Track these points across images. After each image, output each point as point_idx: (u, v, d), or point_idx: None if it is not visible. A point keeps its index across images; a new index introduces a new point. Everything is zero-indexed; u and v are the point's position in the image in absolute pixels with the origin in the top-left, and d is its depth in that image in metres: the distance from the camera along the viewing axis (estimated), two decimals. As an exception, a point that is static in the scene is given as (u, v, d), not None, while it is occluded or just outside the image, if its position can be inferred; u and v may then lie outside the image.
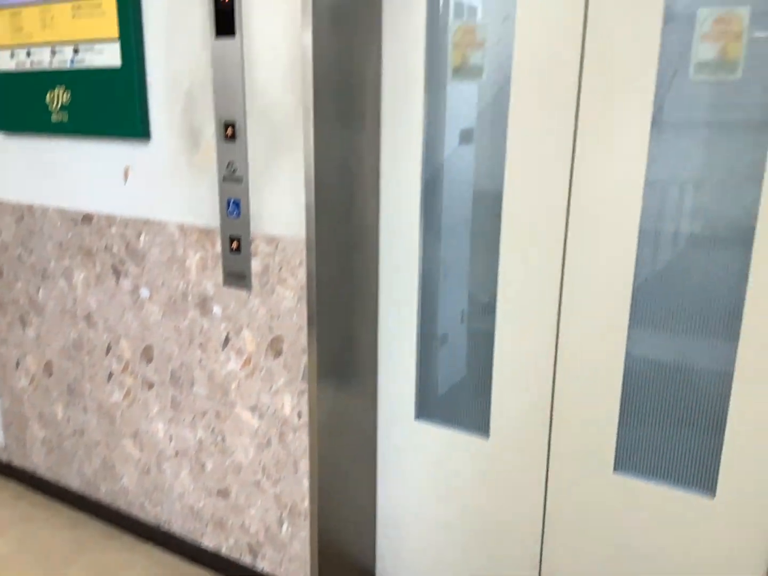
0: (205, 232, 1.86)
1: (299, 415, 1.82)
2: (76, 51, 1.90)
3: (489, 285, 1.75)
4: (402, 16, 1.66)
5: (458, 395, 1.91)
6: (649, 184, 1.48)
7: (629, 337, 1.57)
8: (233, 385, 1.93)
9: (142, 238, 1.99)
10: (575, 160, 1.53)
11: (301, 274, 1.72)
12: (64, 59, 1.93)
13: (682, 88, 1.41)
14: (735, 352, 1.47)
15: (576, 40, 1.47)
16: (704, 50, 1.37)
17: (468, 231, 1.78)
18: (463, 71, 1.65)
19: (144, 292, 2.04)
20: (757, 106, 1.37)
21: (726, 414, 1.51)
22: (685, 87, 1.41)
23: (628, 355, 1.59)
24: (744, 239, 1.43)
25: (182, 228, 1.90)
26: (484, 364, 1.81)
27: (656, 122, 1.44)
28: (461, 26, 1.62)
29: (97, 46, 1.86)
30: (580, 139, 1.51)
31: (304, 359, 1.77)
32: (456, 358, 1.91)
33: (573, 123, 1.51)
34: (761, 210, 1.38)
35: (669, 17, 1.39)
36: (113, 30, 1.80)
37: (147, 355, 2.10)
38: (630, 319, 1.56)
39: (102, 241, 2.09)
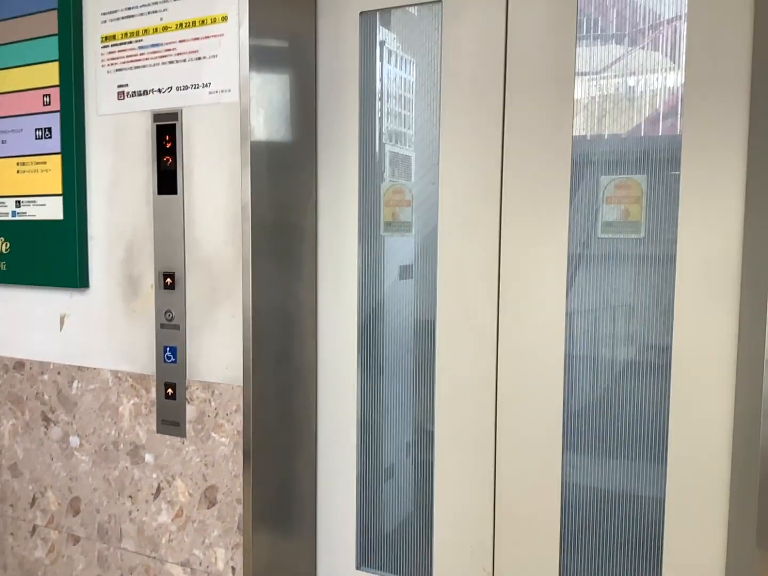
0: (140, 379, 1.85)
1: (233, 570, 1.75)
2: (18, 203, 1.95)
3: (432, 415, 1.77)
4: (336, 174, 1.78)
5: (404, 535, 1.87)
6: (570, 314, 1.58)
7: (565, 463, 1.60)
8: (164, 539, 1.85)
9: (74, 384, 1.96)
10: (500, 300, 1.62)
11: (238, 420, 1.71)
12: (5, 211, 1.97)
13: (592, 245, 1.54)
14: (665, 477, 1.51)
15: (494, 198, 1.61)
16: (608, 212, 1.51)
17: (411, 360, 1.82)
18: (394, 226, 1.76)
19: (74, 441, 1.98)
20: (660, 258, 1.50)
21: (662, 540, 1.53)
22: (595, 243, 1.54)
23: (565, 484, 1.61)
24: (663, 365, 1.51)
25: (117, 374, 1.88)
26: (428, 500, 1.79)
27: (570, 270, 1.56)
28: (391, 186, 1.75)
29: (40, 200, 1.91)
30: (504, 282, 1.61)
31: (239, 509, 1.73)
32: (402, 493, 1.89)
33: (496, 269, 1.62)
34: (675, 339, 1.47)
35: (576, 184, 1.53)
36: (57, 186, 1.87)
37: (74, 507, 2.01)
38: (564, 444, 1.60)
39: (33, 389, 2.04)
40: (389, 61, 1.77)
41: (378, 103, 1.77)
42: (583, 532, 1.62)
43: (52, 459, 2.03)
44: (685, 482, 1.49)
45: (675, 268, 1.46)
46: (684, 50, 1.43)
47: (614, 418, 1.57)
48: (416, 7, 1.70)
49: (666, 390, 1.50)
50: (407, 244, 1.78)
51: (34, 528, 2.10)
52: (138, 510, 1.89)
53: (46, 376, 2.02)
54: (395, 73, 1.77)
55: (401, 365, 1.82)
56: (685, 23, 1.42)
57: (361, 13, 1.72)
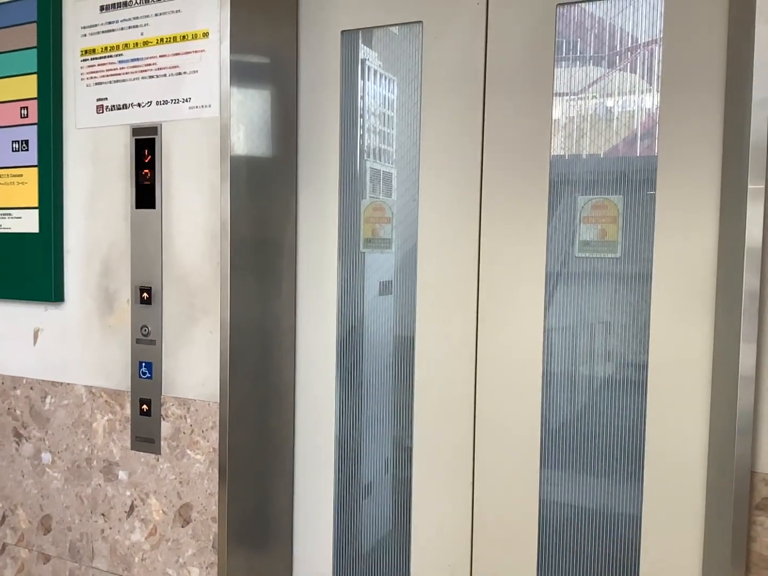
0: (115, 394, 1.82)
1: (207, 590, 1.72)
2: (-7, 216, 1.93)
3: (411, 432, 1.76)
4: (316, 190, 1.78)
5: (382, 554, 1.85)
6: (548, 332, 1.58)
7: (542, 481, 1.60)
8: (137, 558, 1.82)
9: (47, 400, 1.93)
10: (479, 317, 1.63)
11: (214, 437, 1.69)
12: (-20, 223, 1.95)
13: (569, 263, 1.56)
14: (642, 494, 1.52)
15: (473, 216, 1.62)
16: (585, 231, 1.52)
17: (390, 376, 1.82)
18: (374, 243, 1.76)
19: (45, 458, 1.94)
20: (636, 277, 1.52)
21: (639, 558, 1.53)
22: (572, 262, 1.55)
23: (543, 502, 1.61)
24: (640, 382, 1.52)
25: (91, 390, 1.86)
26: (406, 518, 1.78)
27: (548, 288, 1.57)
28: (371, 203, 1.76)
29: (16, 213, 1.89)
30: (483, 300, 1.62)
31: (215, 528, 1.70)
32: (380, 511, 1.87)
33: (475, 286, 1.62)
34: (651, 356, 1.48)
35: (554, 203, 1.55)
36: (33, 199, 1.85)
37: (45, 525, 1.97)
38: (541, 463, 1.60)
39: (5, 404, 2.00)
40: (371, 79, 1.78)
41: (359, 120, 1.78)
42: (561, 550, 1.62)
43: (23, 476, 1.99)
44: (661, 499, 1.50)
45: (651, 286, 1.48)
46: (660, 73, 1.45)
47: (591, 435, 1.58)
48: (398, 27, 1.71)
49: (642, 407, 1.52)
50: (387, 261, 1.78)
51: (4, 546, 2.05)
52: (111, 528, 1.86)
53: (18, 391, 1.98)
54: (376, 91, 1.78)
55: (380, 382, 1.82)
56: (661, 47, 1.45)
57: (342, 31, 1.73)
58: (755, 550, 1.30)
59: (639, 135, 1.53)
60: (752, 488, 1.28)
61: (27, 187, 1.86)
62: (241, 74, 1.62)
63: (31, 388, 1.96)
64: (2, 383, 2.01)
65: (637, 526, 1.54)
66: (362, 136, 1.79)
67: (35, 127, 1.84)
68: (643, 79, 1.51)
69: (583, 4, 1.52)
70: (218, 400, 1.67)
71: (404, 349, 1.76)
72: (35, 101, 1.83)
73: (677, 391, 1.47)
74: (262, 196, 1.70)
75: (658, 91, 1.46)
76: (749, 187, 1.24)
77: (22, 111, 1.86)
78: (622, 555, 1.57)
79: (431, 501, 1.72)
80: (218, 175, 1.63)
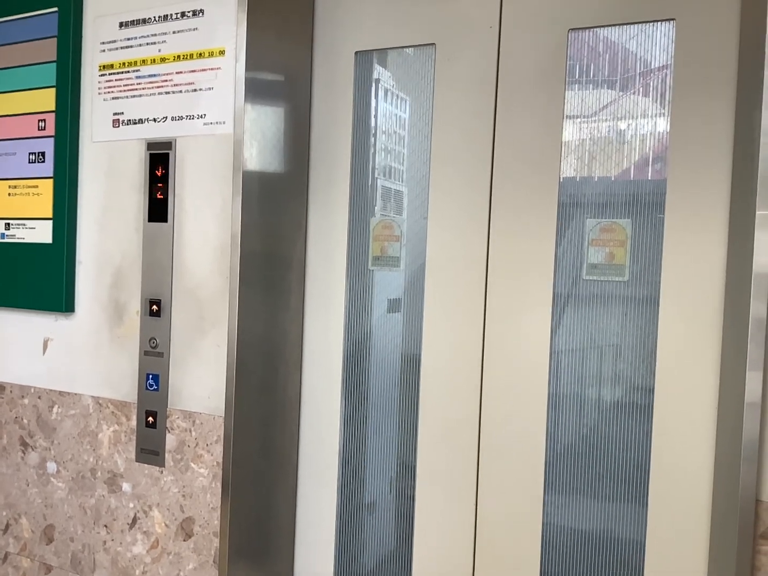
0: (121, 405, 1.83)
1: (207, 605, 1.71)
2: (7, 226, 1.95)
3: (415, 451, 1.76)
4: (327, 207, 1.80)
5: (384, 571, 1.84)
6: (555, 354, 1.58)
7: (546, 504, 1.59)
8: (138, 571, 1.81)
9: (54, 409, 1.94)
10: (486, 338, 1.63)
11: (218, 451, 1.69)
12: (-6, 233, 1.98)
13: (577, 286, 1.56)
14: (646, 519, 1.51)
15: (482, 236, 1.62)
16: (593, 254, 1.52)
17: (396, 394, 1.82)
18: (382, 260, 1.77)
19: (51, 467, 1.95)
20: (644, 300, 1.52)
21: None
22: (580, 285, 1.55)
23: (546, 524, 1.60)
24: (646, 406, 1.51)
25: (98, 401, 1.87)
26: (408, 537, 1.77)
27: (556, 310, 1.57)
28: (380, 221, 1.77)
29: (30, 223, 1.91)
30: (490, 320, 1.62)
31: (216, 543, 1.70)
32: (383, 529, 1.86)
33: (482, 307, 1.62)
34: (657, 381, 1.48)
35: (562, 225, 1.56)
36: (47, 210, 1.87)
37: (48, 535, 1.97)
38: (545, 485, 1.59)
39: (12, 412, 2.02)
40: (384, 99, 1.80)
41: (371, 139, 1.80)
42: (564, 573, 1.61)
43: (28, 485, 2.00)
44: (666, 525, 1.48)
45: (658, 310, 1.48)
46: (670, 98, 1.46)
47: (596, 458, 1.57)
48: (412, 48, 1.74)
49: (648, 431, 1.51)
50: (396, 278, 1.79)
51: (6, 555, 2.06)
52: (113, 540, 1.86)
53: (26, 400, 2.00)
54: (389, 110, 1.80)
55: (386, 399, 1.82)
56: (672, 72, 1.46)
57: (356, 52, 1.76)
58: (760, 579, 1.28)
59: (648, 159, 1.54)
60: (757, 517, 1.27)
61: (42, 198, 1.89)
62: (255, 92, 1.64)
63: (39, 398, 1.97)
64: (11, 392, 2.02)
65: (641, 551, 1.52)
66: (374, 154, 1.80)
67: (52, 139, 1.87)
68: (653, 103, 1.52)
69: (594, 30, 1.54)
70: (223, 414, 1.67)
71: (410, 367, 1.76)
72: (53, 114, 1.87)
73: (683, 416, 1.46)
74: (272, 212, 1.72)
75: (668, 116, 1.47)
76: (757, 213, 1.24)
77: (40, 123, 1.89)
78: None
79: (434, 520, 1.71)
80: (230, 190, 1.65)
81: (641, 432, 1.52)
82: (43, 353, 1.97)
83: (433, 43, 1.67)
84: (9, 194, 1.95)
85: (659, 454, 1.48)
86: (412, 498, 1.74)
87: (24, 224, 1.93)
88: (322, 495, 1.84)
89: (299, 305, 1.83)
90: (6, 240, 1.96)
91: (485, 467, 1.64)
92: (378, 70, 1.79)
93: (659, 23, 1.47)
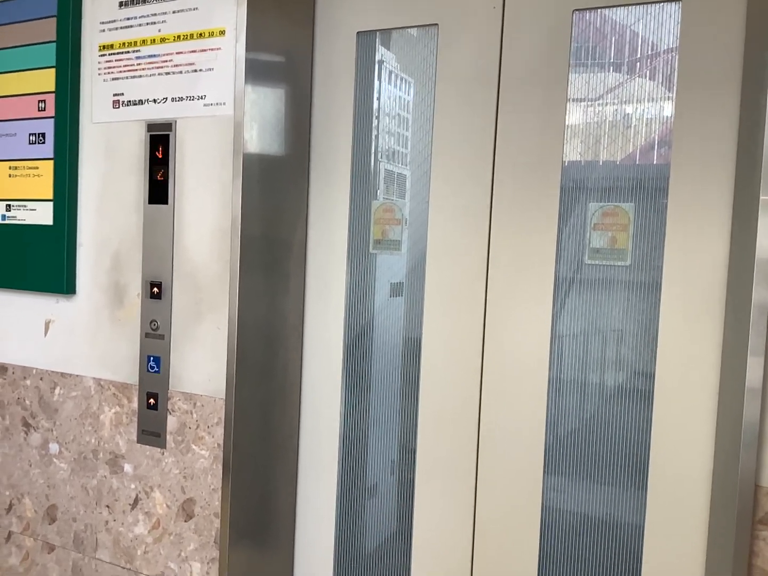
0: (123, 387, 1.84)
1: (207, 585, 1.73)
2: (8, 207, 1.95)
3: (415, 434, 1.76)
4: (328, 190, 1.79)
5: (383, 555, 1.85)
6: (556, 339, 1.58)
7: (545, 488, 1.60)
8: (140, 551, 1.83)
9: (56, 391, 1.95)
10: (486, 322, 1.62)
11: (219, 433, 1.70)
12: (-5, 214, 1.98)
13: (579, 270, 1.55)
14: (645, 503, 1.51)
15: (483, 219, 1.61)
16: (596, 239, 1.51)
17: (397, 378, 1.82)
18: (383, 244, 1.76)
19: (53, 448, 1.96)
20: (646, 285, 1.51)
21: (641, 568, 1.52)
22: (582, 269, 1.54)
23: (545, 508, 1.61)
24: (646, 391, 1.51)
25: (99, 382, 1.87)
26: (408, 521, 1.78)
27: (557, 295, 1.56)
28: (381, 205, 1.76)
29: (30, 205, 1.91)
30: (490, 305, 1.62)
31: (217, 523, 1.71)
32: (382, 513, 1.87)
33: (483, 291, 1.62)
34: (658, 366, 1.48)
35: (565, 209, 1.54)
36: (48, 191, 1.87)
37: (50, 515, 1.99)
38: (545, 470, 1.59)
39: (15, 393, 2.03)
40: (387, 80, 1.78)
41: (374, 121, 1.79)
42: (563, 557, 1.61)
43: (31, 465, 2.01)
44: (665, 510, 1.48)
45: (660, 295, 1.47)
46: (675, 81, 1.44)
47: (596, 443, 1.57)
48: (414, 29, 1.72)
49: (648, 416, 1.51)
50: (398, 262, 1.78)
51: (9, 534, 2.08)
52: (115, 520, 1.87)
53: (28, 382, 2.00)
54: (393, 92, 1.78)
55: (386, 383, 1.82)
56: (677, 55, 1.44)
57: (358, 32, 1.74)
58: (757, 564, 1.28)
59: (652, 143, 1.52)
60: (756, 502, 1.27)
61: (42, 179, 1.88)
62: (256, 73, 1.62)
63: (41, 379, 1.98)
64: (13, 373, 2.03)
65: (639, 536, 1.53)
66: (376, 136, 1.79)
67: (52, 120, 1.86)
68: (657, 87, 1.50)
69: (599, 10, 1.51)
70: (224, 397, 1.67)
71: (411, 352, 1.76)
72: (53, 95, 1.85)
73: (684, 401, 1.46)
74: (273, 194, 1.71)
75: (672, 100, 1.45)
76: (761, 198, 1.23)
77: (40, 104, 1.88)
78: (624, 564, 1.56)
79: (434, 504, 1.72)
80: (230, 172, 1.64)
81: (641, 417, 1.52)
82: (45, 335, 1.97)
83: (436, 24, 1.65)
84: (10, 176, 1.94)
85: (659, 439, 1.48)
86: (412, 482, 1.75)
87: (25, 206, 1.92)
88: (323, 478, 1.85)
89: (300, 289, 1.83)
90: (7, 221, 1.96)
91: (485, 452, 1.65)
92: (380, 51, 1.77)
93: (665, 4, 1.44)
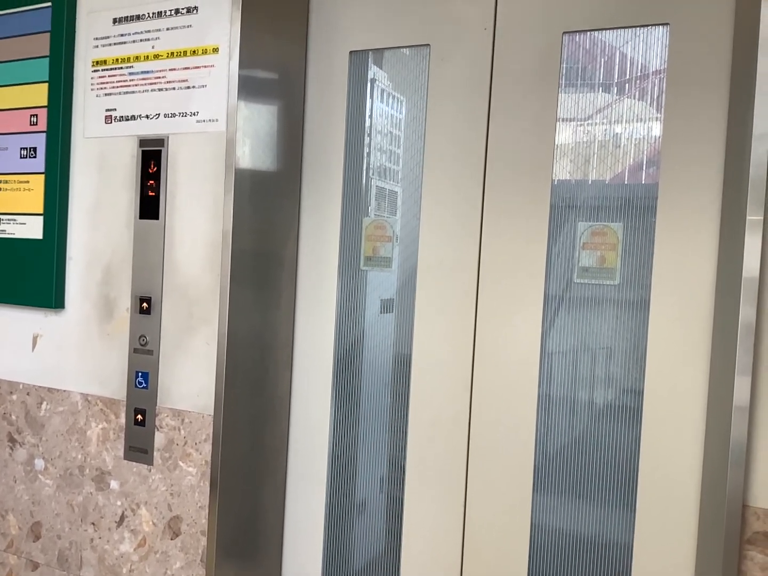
0: (110, 403, 1.82)
1: (193, 604, 1.71)
2: (-2, 221, 1.95)
3: (404, 450, 1.75)
4: (319, 206, 1.79)
5: (372, 571, 1.84)
6: (545, 356, 1.58)
7: (534, 506, 1.59)
8: (125, 569, 1.81)
9: (43, 406, 1.93)
10: (476, 340, 1.63)
11: (206, 449, 1.69)
12: (-16, 228, 1.97)
13: (568, 289, 1.56)
14: (634, 522, 1.51)
15: (474, 237, 1.62)
16: (585, 257, 1.53)
17: (387, 395, 1.81)
18: (374, 261, 1.77)
19: (39, 464, 1.94)
20: (634, 304, 1.52)
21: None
22: (571, 288, 1.55)
23: (534, 526, 1.60)
24: (635, 409, 1.52)
25: (87, 398, 1.86)
26: (397, 538, 1.77)
27: (546, 313, 1.57)
28: (372, 221, 1.76)
29: (20, 218, 1.90)
30: (480, 322, 1.62)
31: (204, 542, 1.69)
32: (371, 530, 1.86)
33: (473, 309, 1.62)
34: (647, 384, 1.48)
35: (554, 228, 1.56)
36: (38, 205, 1.86)
37: (35, 532, 1.96)
38: (534, 487, 1.59)
39: (0, 408, 2.01)
40: (379, 99, 1.80)
41: (366, 139, 1.80)
42: (551, 574, 1.61)
43: (16, 481, 1.99)
44: (654, 529, 1.48)
45: (648, 314, 1.48)
46: (663, 102, 1.46)
47: (585, 460, 1.57)
48: (407, 49, 1.73)
49: (637, 434, 1.51)
50: (389, 279, 1.79)
51: (-8, 552, 2.05)
52: (100, 538, 1.85)
53: (14, 396, 1.98)
54: (385, 110, 1.80)
55: (376, 399, 1.82)
56: (665, 77, 1.46)
57: (351, 51, 1.75)
58: (746, 584, 1.28)
59: (640, 163, 1.54)
60: (744, 522, 1.27)
61: (33, 193, 1.88)
62: (248, 90, 1.63)
63: (28, 394, 1.96)
64: (-1, 387, 2.01)
65: (628, 554, 1.53)
66: (368, 154, 1.80)
67: (44, 134, 1.86)
68: (646, 107, 1.52)
69: (589, 33, 1.54)
70: (213, 413, 1.66)
71: (401, 368, 1.75)
72: (45, 109, 1.86)
73: (672, 419, 1.46)
74: (264, 210, 1.71)
75: (661, 120, 1.47)
76: (748, 218, 1.25)
77: (32, 118, 1.88)
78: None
79: (422, 520, 1.71)
80: (222, 188, 1.64)
81: (630, 435, 1.52)
82: (33, 349, 1.95)
83: (428, 44, 1.67)
84: (0, 189, 1.94)
85: (648, 457, 1.49)
86: (401, 499, 1.74)
87: (15, 219, 1.92)
88: (311, 494, 1.84)
89: (290, 304, 1.83)
90: (-4, 235, 1.95)
91: (474, 468, 1.64)
92: (373, 70, 1.79)
93: (653, 27, 1.47)
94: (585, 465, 1.57)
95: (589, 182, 1.56)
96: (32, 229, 1.88)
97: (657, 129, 1.49)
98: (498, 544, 1.62)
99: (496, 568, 1.63)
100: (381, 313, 1.82)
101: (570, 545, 1.59)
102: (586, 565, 1.58)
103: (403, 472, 1.74)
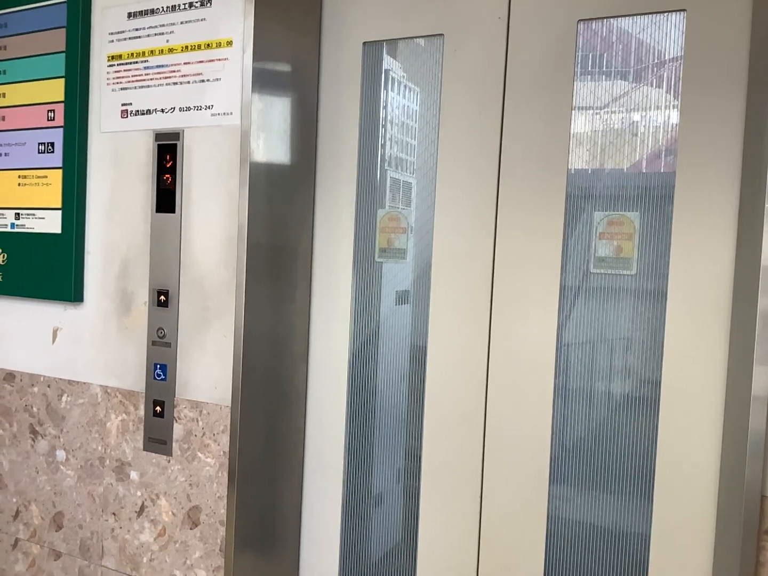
0: (129, 395, 1.84)
1: (213, 593, 1.73)
2: (17, 216, 1.97)
3: (420, 442, 1.76)
4: (334, 198, 1.80)
5: (388, 565, 1.85)
6: (561, 347, 1.58)
7: (551, 497, 1.59)
8: (145, 558, 1.83)
9: (63, 398, 1.96)
10: (492, 331, 1.62)
11: (224, 440, 1.70)
12: (4, 223, 1.99)
13: (584, 279, 1.55)
14: (651, 513, 1.50)
15: (489, 227, 1.62)
16: (601, 247, 1.52)
17: (403, 387, 1.81)
18: (389, 252, 1.77)
19: (60, 455, 1.97)
20: (652, 294, 1.51)
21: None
22: (587, 278, 1.54)
23: (551, 518, 1.60)
24: (652, 400, 1.51)
25: (106, 390, 1.88)
26: (413, 530, 1.78)
27: (562, 304, 1.56)
28: (386, 213, 1.76)
29: (39, 213, 1.93)
30: (495, 313, 1.62)
31: (222, 531, 1.71)
32: (388, 522, 1.87)
33: (489, 300, 1.62)
34: (664, 374, 1.47)
35: (570, 218, 1.55)
36: (56, 200, 1.88)
37: (57, 522, 1.99)
38: (550, 478, 1.59)
39: (22, 401, 2.04)
40: (393, 89, 1.79)
41: (381, 130, 1.79)
42: (568, 566, 1.61)
43: (38, 472, 2.02)
44: (671, 520, 1.48)
45: (666, 304, 1.47)
46: (680, 90, 1.45)
47: (602, 451, 1.57)
48: (420, 39, 1.73)
49: (654, 425, 1.50)
50: (404, 270, 1.79)
51: (16, 541, 2.08)
52: (121, 528, 1.88)
53: (35, 389, 2.01)
54: (398, 101, 1.79)
55: (392, 391, 1.82)
56: (682, 63, 1.44)
57: (364, 42, 1.75)
58: (764, 575, 1.28)
59: (657, 151, 1.52)
60: (762, 512, 1.26)
61: (51, 188, 1.90)
62: (262, 83, 1.64)
63: (48, 386, 1.99)
64: (21, 380, 2.04)
65: (646, 545, 1.52)
66: (383, 145, 1.80)
67: (61, 129, 1.88)
68: (663, 95, 1.50)
69: (604, 21, 1.52)
70: (230, 404, 1.68)
71: (417, 360, 1.76)
72: (62, 104, 1.87)
73: (690, 410, 1.45)
74: (279, 203, 1.72)
75: (678, 108, 1.45)
76: (767, 206, 1.23)
77: (49, 114, 1.90)
78: (630, 574, 1.55)
79: (439, 512, 1.72)
80: (237, 181, 1.65)
81: (647, 426, 1.52)
82: (53, 342, 1.98)
83: (442, 34, 1.66)
84: (19, 184, 1.96)
85: (665, 448, 1.48)
86: (418, 491, 1.75)
87: (34, 214, 1.94)
88: (328, 486, 1.85)
89: (305, 297, 1.84)
90: (16, 230, 1.97)
91: (490, 460, 1.64)
92: (386, 61, 1.78)
93: (670, 14, 1.45)
94: (602, 456, 1.56)
95: (606, 171, 1.55)
96: (51, 223, 1.90)
97: (674, 117, 1.47)
98: (514, 535, 1.63)
99: (513, 560, 1.63)
100: (396, 304, 1.82)
101: (586, 536, 1.59)
102: (603, 556, 1.57)
103: (420, 463, 1.74)
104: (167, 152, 1.74)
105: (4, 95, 1.99)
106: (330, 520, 1.86)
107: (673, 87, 1.48)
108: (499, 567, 1.65)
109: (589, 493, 1.59)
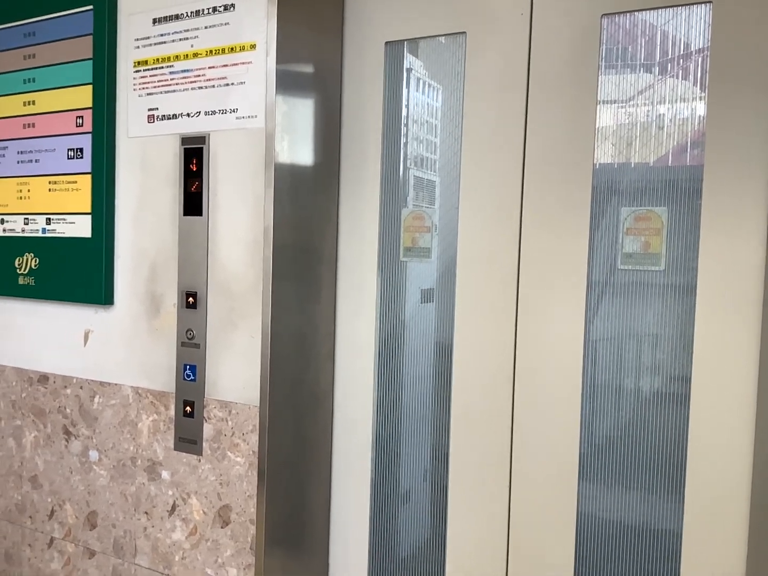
0: (160, 396, 1.87)
1: (244, 591, 1.75)
2: (48, 221, 2.01)
3: (448, 440, 1.76)
4: (358, 199, 1.80)
5: (417, 563, 1.85)
6: (589, 343, 1.56)
7: (580, 495, 1.58)
8: (177, 557, 1.86)
9: (96, 399, 1.99)
10: (518, 329, 1.62)
11: (253, 440, 1.72)
12: (36, 228, 2.03)
13: (611, 275, 1.54)
14: (682, 510, 1.49)
15: (514, 225, 1.61)
16: (628, 243, 1.50)
17: (429, 386, 1.82)
18: (413, 251, 1.77)
19: (93, 455, 2.01)
20: (681, 289, 1.49)
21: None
22: (614, 274, 1.53)
23: (580, 515, 1.59)
24: (682, 396, 1.49)
25: (137, 391, 1.91)
26: (442, 528, 1.78)
27: (589, 300, 1.55)
28: (411, 212, 1.77)
29: (69, 218, 1.96)
30: (522, 311, 1.61)
31: (252, 530, 1.73)
32: (419, 518, 1.87)
33: (515, 298, 1.62)
34: (695, 371, 1.46)
35: (597, 214, 1.53)
36: (86, 205, 1.92)
37: (91, 521, 2.03)
38: (579, 476, 1.58)
39: (56, 402, 2.08)
40: (416, 88, 1.79)
41: (403, 129, 1.80)
42: (599, 565, 1.60)
43: (72, 472, 2.06)
44: (703, 516, 1.46)
45: (695, 299, 1.45)
46: (706, 82, 1.43)
47: (631, 448, 1.55)
48: (443, 37, 1.72)
49: (685, 421, 1.49)
50: (428, 269, 1.79)
51: (52, 540, 2.12)
52: (153, 526, 1.91)
53: (68, 390, 2.05)
54: (421, 100, 1.80)
55: (419, 389, 1.82)
56: (708, 55, 1.42)
57: (386, 42, 1.75)
58: (801, 573, 1.26)
59: (684, 145, 1.50)
60: (798, 509, 1.25)
61: (80, 193, 1.93)
62: (286, 85, 1.65)
63: (81, 388, 2.02)
64: (54, 382, 2.08)
65: (677, 543, 1.51)
66: (406, 144, 1.80)
67: (90, 135, 1.91)
68: (689, 87, 1.49)
69: (628, 14, 1.51)
70: (258, 404, 1.70)
71: (443, 358, 1.76)
72: (90, 111, 1.90)
73: (721, 405, 1.44)
74: (304, 204, 1.73)
75: (705, 100, 1.44)
76: (798, 199, 1.21)
77: (78, 120, 1.93)
78: (663, 573, 1.54)
79: (467, 510, 1.72)
80: (262, 183, 1.66)
81: (678, 423, 1.50)
82: (84, 345, 2.02)
83: (464, 32, 1.66)
84: (50, 190, 2.00)
85: (696, 444, 1.46)
86: (446, 488, 1.75)
87: (64, 219, 1.98)
88: (356, 485, 1.86)
89: (331, 297, 1.85)
90: (47, 234, 2.01)
91: (518, 457, 1.64)
92: (408, 60, 1.79)
93: (695, 6, 1.43)
94: (632, 453, 1.55)
95: (632, 166, 1.53)
96: (81, 228, 1.94)
97: (701, 109, 1.46)
98: (543, 532, 1.62)
99: (542, 557, 1.62)
100: (422, 303, 1.82)
101: (617, 534, 1.58)
102: (633, 554, 1.56)
103: (447, 461, 1.74)
104: (193, 156, 1.76)
105: (33, 102, 2.03)
106: (358, 518, 1.87)
107: (699, 79, 1.46)
108: (528, 564, 1.64)
109: (619, 491, 1.57)
